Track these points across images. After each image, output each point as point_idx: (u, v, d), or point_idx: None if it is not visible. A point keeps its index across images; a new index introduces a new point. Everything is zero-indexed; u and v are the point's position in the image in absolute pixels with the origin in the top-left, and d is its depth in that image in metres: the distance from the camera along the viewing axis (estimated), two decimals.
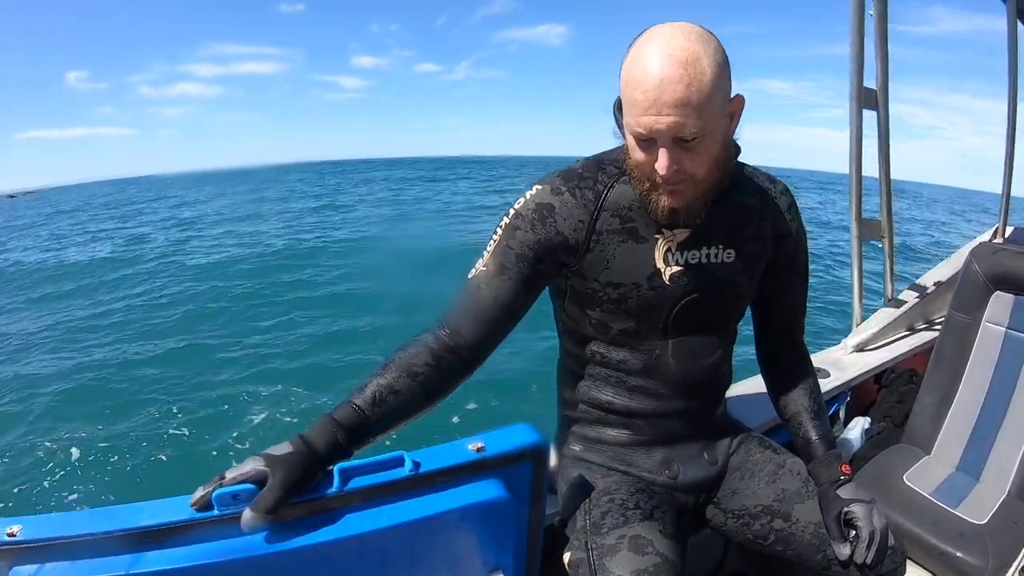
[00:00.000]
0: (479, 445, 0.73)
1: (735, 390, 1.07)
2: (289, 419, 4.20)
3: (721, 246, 0.88)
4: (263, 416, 4.25)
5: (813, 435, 0.97)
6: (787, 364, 1.04)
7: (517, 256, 0.83)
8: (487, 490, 0.72)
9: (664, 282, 0.86)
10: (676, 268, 0.86)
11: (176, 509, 0.65)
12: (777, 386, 1.04)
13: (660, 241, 0.85)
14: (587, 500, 0.91)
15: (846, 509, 0.88)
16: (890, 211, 1.84)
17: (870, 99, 1.68)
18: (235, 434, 4.05)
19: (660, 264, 0.85)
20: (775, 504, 0.96)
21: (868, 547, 0.85)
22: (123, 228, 18.71)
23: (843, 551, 0.87)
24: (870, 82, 1.67)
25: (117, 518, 0.63)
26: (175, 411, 4.40)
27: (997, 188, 2.06)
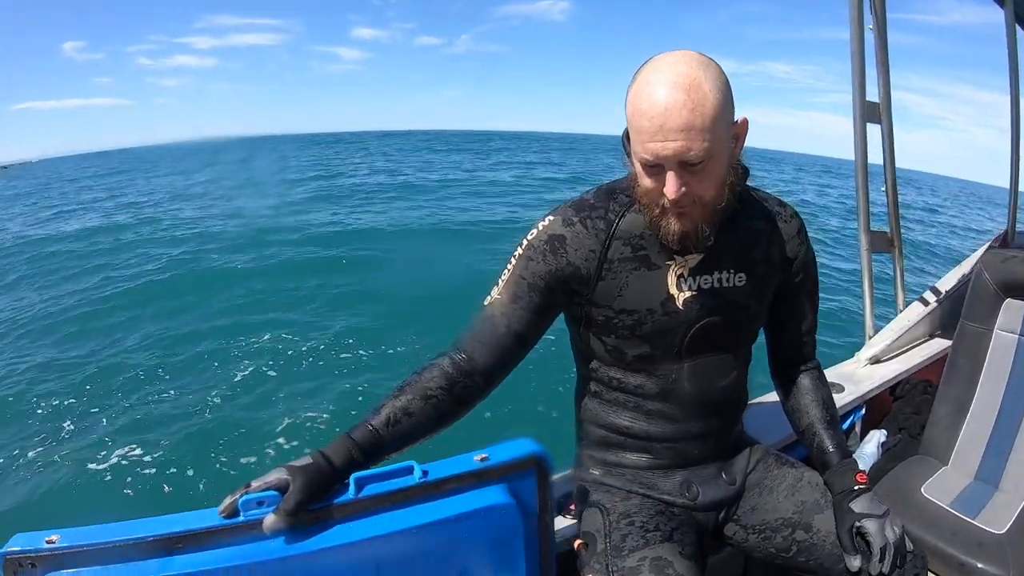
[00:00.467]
0: (483, 456, 0.79)
1: (751, 407, 1.09)
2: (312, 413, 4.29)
3: (732, 270, 0.90)
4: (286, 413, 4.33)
5: (828, 445, 0.98)
6: (799, 380, 1.06)
7: (529, 286, 0.86)
8: (492, 496, 0.77)
9: (677, 307, 0.88)
10: (689, 293, 0.88)
11: (205, 518, 0.71)
12: (790, 401, 1.06)
13: (672, 267, 0.87)
14: (607, 523, 0.93)
15: (858, 524, 0.88)
16: (898, 223, 1.84)
17: (873, 113, 1.70)
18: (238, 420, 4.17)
19: (673, 290, 0.88)
20: (795, 516, 0.97)
21: (882, 559, 0.86)
22: (115, 200, 18.20)
23: (853, 563, 0.87)
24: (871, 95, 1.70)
25: (149, 527, 0.69)
26: (195, 400, 4.49)
27: (1000, 181, 2.04)
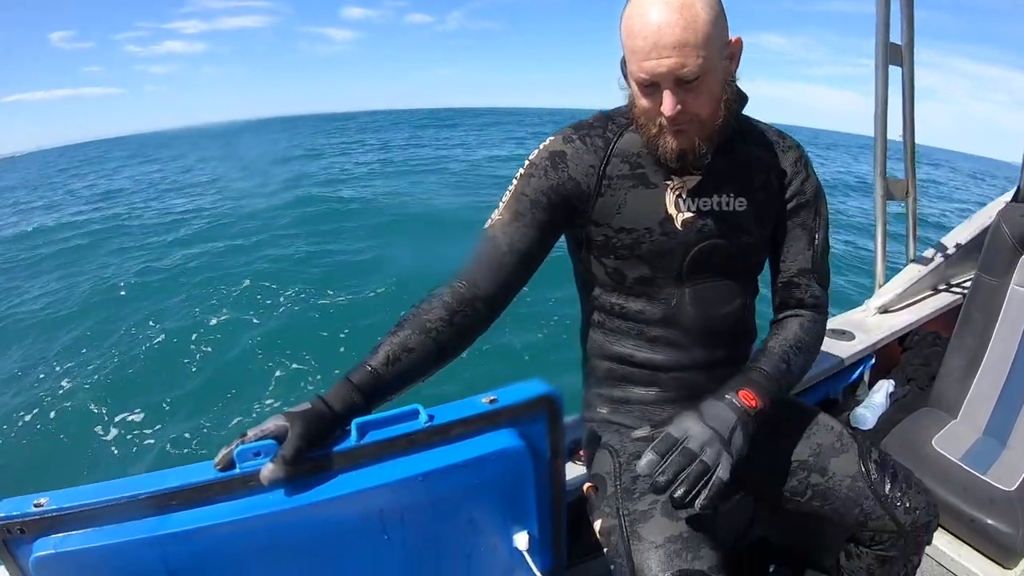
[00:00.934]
0: (492, 398, 0.75)
1: None
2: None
3: (732, 194, 0.89)
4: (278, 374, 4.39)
5: (756, 363, 0.90)
6: (785, 320, 0.99)
7: (532, 202, 0.85)
8: (502, 440, 0.73)
9: (676, 228, 0.87)
10: (688, 214, 0.87)
11: (199, 472, 0.67)
12: (767, 336, 0.99)
13: (670, 187, 0.86)
14: (617, 465, 0.91)
15: (685, 412, 0.80)
16: (914, 170, 1.79)
17: (895, 55, 1.63)
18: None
19: (672, 210, 0.86)
20: (811, 459, 0.95)
21: (653, 452, 0.74)
22: (105, 184, 18.32)
23: (637, 430, 0.88)
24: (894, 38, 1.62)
25: (141, 484, 0.65)
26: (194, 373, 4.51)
27: (999, 155, 1.98)
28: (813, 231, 0.96)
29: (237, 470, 0.67)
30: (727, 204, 0.89)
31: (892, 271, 1.86)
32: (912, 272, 1.83)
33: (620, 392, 0.97)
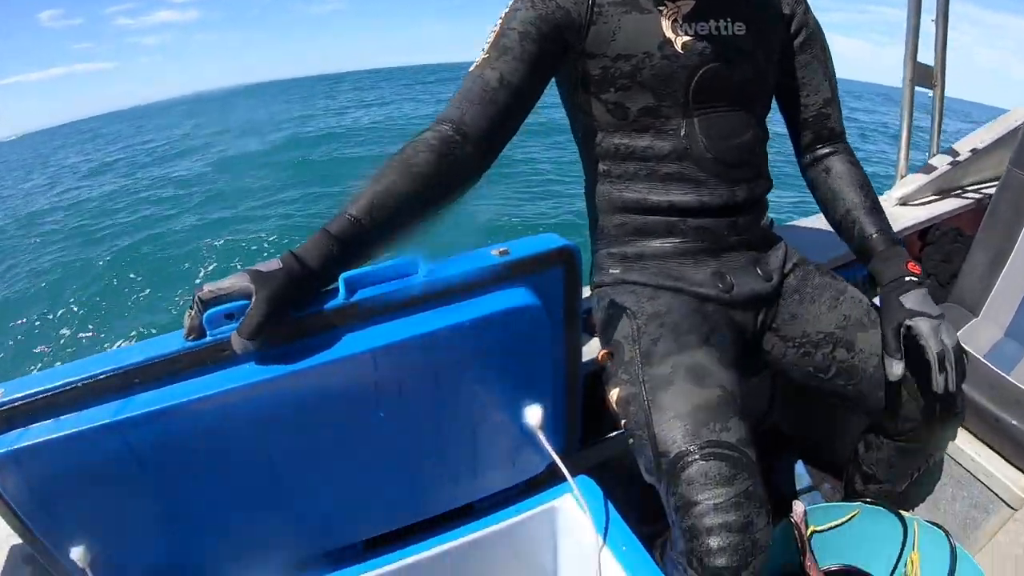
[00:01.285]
0: (503, 249, 0.66)
1: (785, 230, 0.97)
2: None
3: (729, 19, 0.85)
4: None
5: (870, 229, 0.90)
6: (831, 163, 0.97)
7: (520, 35, 0.79)
8: (514, 297, 0.65)
9: (677, 51, 0.82)
10: (687, 37, 0.82)
11: (165, 343, 0.59)
12: (822, 189, 0.97)
13: (664, 13, 0.82)
14: (634, 327, 0.82)
15: (908, 322, 0.79)
16: (944, 58, 1.68)
17: None
18: None
19: (669, 33, 0.82)
20: (838, 332, 0.89)
21: (941, 370, 0.76)
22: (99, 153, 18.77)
23: (895, 370, 0.79)
24: None
25: (101, 362, 0.57)
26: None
27: (1011, 104, 1.86)
28: (825, 61, 0.96)
29: (208, 338, 0.59)
30: (725, 28, 0.85)
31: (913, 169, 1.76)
32: (935, 165, 1.73)
33: (633, 248, 0.89)
